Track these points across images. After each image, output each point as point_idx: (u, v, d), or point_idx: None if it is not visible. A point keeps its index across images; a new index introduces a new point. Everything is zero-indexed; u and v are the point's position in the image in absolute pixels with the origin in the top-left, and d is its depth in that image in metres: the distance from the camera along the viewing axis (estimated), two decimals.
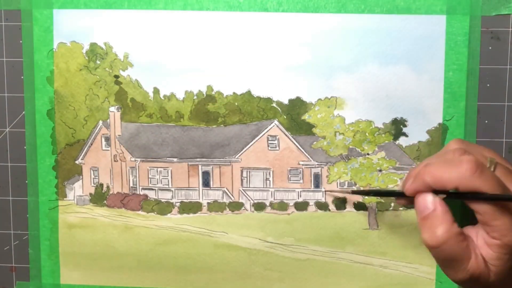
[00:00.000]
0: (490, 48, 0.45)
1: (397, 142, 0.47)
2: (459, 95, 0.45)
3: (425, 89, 0.46)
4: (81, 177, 0.48)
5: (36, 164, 0.48)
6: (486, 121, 0.46)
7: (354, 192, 0.46)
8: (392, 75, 0.46)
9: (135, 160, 0.48)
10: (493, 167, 0.35)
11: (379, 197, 0.47)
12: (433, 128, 0.46)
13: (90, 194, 0.49)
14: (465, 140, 0.38)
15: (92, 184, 0.49)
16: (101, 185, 0.49)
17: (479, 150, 0.37)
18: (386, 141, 0.47)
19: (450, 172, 0.34)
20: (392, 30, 0.45)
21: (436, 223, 0.35)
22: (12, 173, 0.49)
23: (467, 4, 0.44)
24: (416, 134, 0.46)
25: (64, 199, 0.49)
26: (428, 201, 0.35)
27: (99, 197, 0.49)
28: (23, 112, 0.48)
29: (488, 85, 0.46)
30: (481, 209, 0.34)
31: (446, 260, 0.35)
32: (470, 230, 0.36)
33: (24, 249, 0.49)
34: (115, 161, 0.49)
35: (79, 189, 0.49)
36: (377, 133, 0.47)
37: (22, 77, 0.47)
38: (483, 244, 0.35)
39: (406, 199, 0.37)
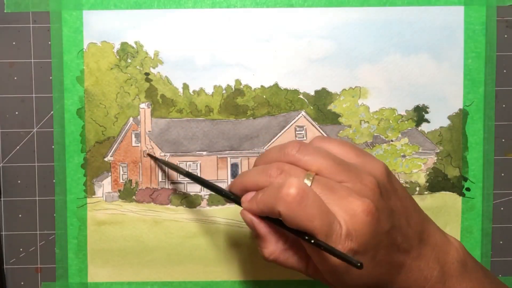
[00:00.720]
0: (505, 36, 0.48)
1: (419, 128, 0.48)
2: (478, 81, 0.48)
3: (445, 77, 0.48)
4: (110, 174, 0.49)
5: (65, 163, 0.48)
6: (504, 105, 0.48)
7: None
8: (413, 64, 0.48)
9: (164, 155, 0.49)
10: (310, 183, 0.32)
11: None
12: (453, 114, 0.48)
13: (119, 190, 0.49)
14: (301, 146, 0.35)
15: (121, 180, 0.49)
16: (130, 181, 0.49)
17: (308, 160, 0.34)
18: (409, 128, 0.48)
19: (273, 201, 0.32)
20: (413, 22, 0.47)
21: (262, 244, 0.35)
22: (38, 173, 0.49)
23: None
24: (437, 119, 0.48)
25: (93, 196, 0.48)
26: (250, 223, 0.35)
27: (128, 192, 0.49)
28: (51, 112, 0.48)
29: (504, 71, 0.48)
30: (308, 248, 0.33)
31: (287, 268, 0.35)
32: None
33: (50, 249, 0.49)
34: (144, 156, 0.49)
35: (107, 186, 0.49)
36: (400, 120, 0.48)
37: (50, 77, 0.48)
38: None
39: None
